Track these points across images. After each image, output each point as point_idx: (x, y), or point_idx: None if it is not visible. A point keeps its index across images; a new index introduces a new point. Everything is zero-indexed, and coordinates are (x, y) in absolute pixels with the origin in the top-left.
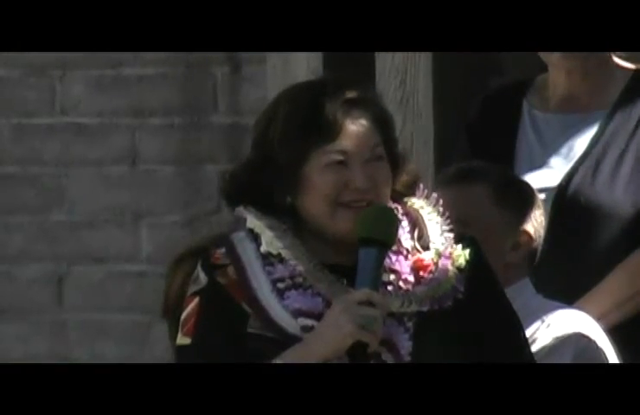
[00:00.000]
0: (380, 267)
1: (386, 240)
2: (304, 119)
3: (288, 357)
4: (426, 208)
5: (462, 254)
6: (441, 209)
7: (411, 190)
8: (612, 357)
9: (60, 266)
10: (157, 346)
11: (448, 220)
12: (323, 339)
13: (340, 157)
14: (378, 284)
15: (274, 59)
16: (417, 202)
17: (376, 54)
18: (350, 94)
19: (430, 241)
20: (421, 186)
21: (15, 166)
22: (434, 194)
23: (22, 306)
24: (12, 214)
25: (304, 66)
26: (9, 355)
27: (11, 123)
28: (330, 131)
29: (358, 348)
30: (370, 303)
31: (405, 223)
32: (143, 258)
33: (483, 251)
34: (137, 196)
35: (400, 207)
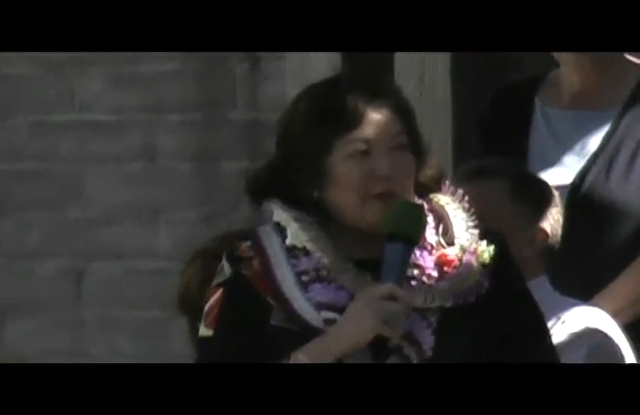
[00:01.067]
0: (405, 263)
1: (413, 236)
2: (325, 110)
3: (309, 350)
4: (452, 204)
5: (486, 250)
6: (467, 205)
7: (436, 185)
8: (629, 354)
9: (79, 263)
10: (175, 342)
11: (473, 216)
12: (345, 332)
13: (363, 146)
14: (402, 279)
15: (293, 56)
16: (442, 198)
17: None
18: (370, 84)
19: (455, 237)
20: (447, 182)
21: (33, 162)
22: (460, 191)
23: (40, 302)
24: (30, 211)
25: (322, 63)
26: (26, 352)
27: (30, 120)
28: (352, 120)
29: (379, 343)
30: (393, 298)
31: (430, 218)
32: (161, 255)
33: (508, 247)
34: (154, 193)
35: (425, 203)
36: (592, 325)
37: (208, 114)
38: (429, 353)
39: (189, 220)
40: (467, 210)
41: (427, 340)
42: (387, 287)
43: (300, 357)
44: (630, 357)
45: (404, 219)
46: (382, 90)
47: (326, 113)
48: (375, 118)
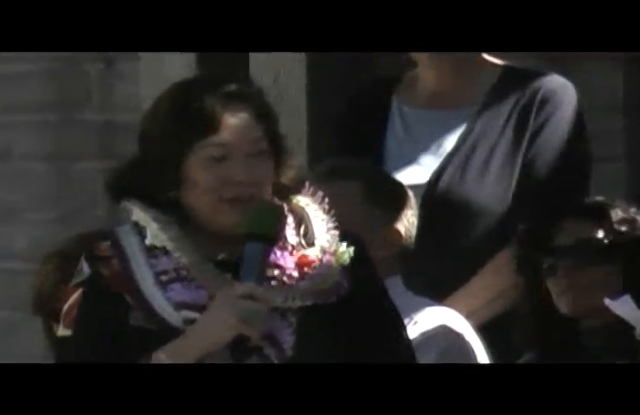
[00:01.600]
0: (264, 263)
1: (270, 236)
2: (183, 114)
3: (169, 350)
4: (312, 206)
5: (346, 251)
6: (326, 207)
7: (296, 187)
8: (481, 354)
9: None
10: (27, 343)
11: (333, 218)
12: (205, 332)
13: (220, 151)
14: (261, 279)
15: (148, 56)
16: (303, 200)
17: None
18: (229, 88)
19: (315, 238)
20: (307, 183)
21: None
22: (320, 192)
23: None
24: None
25: (177, 63)
26: None
27: None
28: (209, 125)
29: (239, 342)
30: (253, 298)
31: (290, 220)
32: (16, 255)
33: (366, 247)
34: (9, 193)
35: (285, 204)
36: (445, 325)
37: (62, 114)
38: (289, 352)
39: (44, 220)
40: (327, 212)
41: (287, 339)
42: (246, 286)
43: (161, 357)
44: (482, 357)
45: (261, 220)
46: (242, 94)
47: (184, 116)
48: (233, 123)
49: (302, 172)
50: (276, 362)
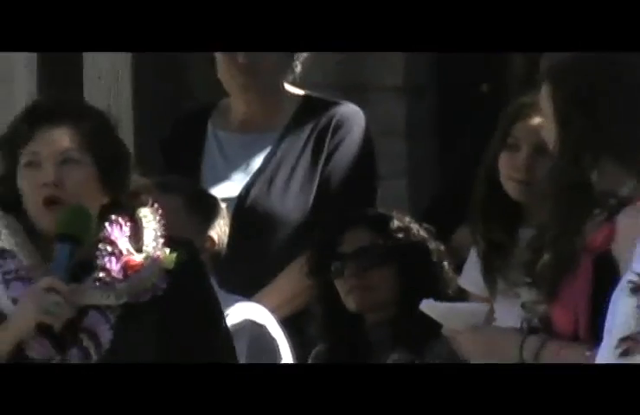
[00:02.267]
0: (72, 259)
1: (78, 237)
2: (10, 132)
3: None
4: (149, 217)
5: (170, 257)
6: (159, 217)
7: (137, 200)
8: (283, 345)
9: None
10: None
11: (164, 228)
12: (14, 321)
13: (33, 158)
14: (68, 274)
15: None
16: (143, 211)
17: (84, 58)
18: (47, 105)
19: (144, 245)
20: (150, 198)
21: None
22: (156, 205)
23: None
24: None
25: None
26: None
27: None
28: (24, 137)
29: (43, 329)
30: (55, 290)
31: (126, 228)
32: None
33: (196, 253)
34: None
35: (126, 215)
36: (252, 318)
37: None
38: (107, 346)
39: None
40: (159, 222)
41: (105, 334)
42: (46, 280)
43: None
44: (284, 347)
45: (71, 222)
46: (60, 111)
47: (11, 133)
48: (45, 135)
49: (142, 186)
50: (95, 357)
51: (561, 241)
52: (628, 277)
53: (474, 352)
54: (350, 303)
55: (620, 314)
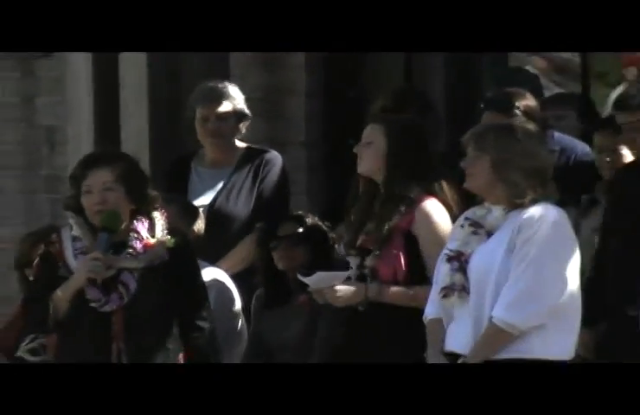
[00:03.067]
0: (110, 242)
1: (112, 228)
2: (74, 170)
3: (62, 288)
4: (159, 217)
5: (169, 240)
6: (164, 217)
7: (151, 207)
8: (236, 295)
9: None
10: None
11: (167, 223)
12: (75, 275)
13: (86, 189)
14: (108, 250)
15: None
16: (155, 213)
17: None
18: (94, 156)
19: (156, 233)
20: (159, 206)
21: None
22: (163, 210)
23: None
24: None
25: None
26: None
27: None
28: (82, 176)
29: (90, 281)
30: (97, 259)
31: (145, 224)
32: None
33: (186, 238)
34: None
35: (145, 216)
36: (216, 278)
37: None
38: (132, 291)
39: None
40: (165, 220)
41: (132, 284)
42: (92, 254)
43: (59, 293)
44: (237, 296)
45: (107, 219)
46: (104, 159)
47: (75, 171)
48: (95, 173)
49: (156, 200)
50: (126, 298)
51: (381, 225)
52: (445, 251)
53: (335, 300)
54: (280, 264)
55: (441, 273)
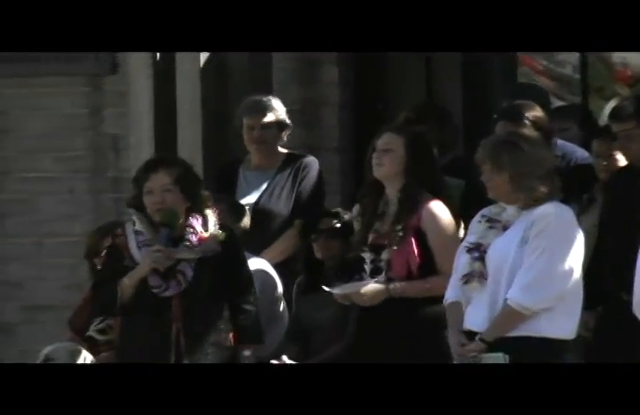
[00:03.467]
0: (170, 236)
1: (171, 224)
2: (137, 173)
3: (128, 276)
4: (211, 213)
5: (220, 234)
6: (216, 215)
7: (204, 205)
8: (278, 282)
9: None
10: None
11: (218, 220)
12: (140, 265)
13: (148, 190)
14: (169, 244)
15: None
16: (207, 211)
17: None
18: (154, 160)
19: (209, 228)
20: (211, 204)
21: None
22: (214, 208)
23: None
24: None
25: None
26: None
27: None
28: (144, 178)
29: (154, 270)
30: (159, 251)
31: (200, 220)
32: None
33: (234, 233)
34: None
35: (199, 213)
36: (261, 268)
37: None
38: (189, 279)
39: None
40: (216, 217)
41: (189, 273)
42: (155, 247)
43: (125, 280)
44: (278, 283)
45: (167, 216)
46: (163, 163)
47: (138, 174)
48: (155, 176)
49: (208, 199)
50: (183, 285)
51: (397, 225)
52: (464, 244)
53: (361, 301)
54: (319, 254)
55: (461, 262)
